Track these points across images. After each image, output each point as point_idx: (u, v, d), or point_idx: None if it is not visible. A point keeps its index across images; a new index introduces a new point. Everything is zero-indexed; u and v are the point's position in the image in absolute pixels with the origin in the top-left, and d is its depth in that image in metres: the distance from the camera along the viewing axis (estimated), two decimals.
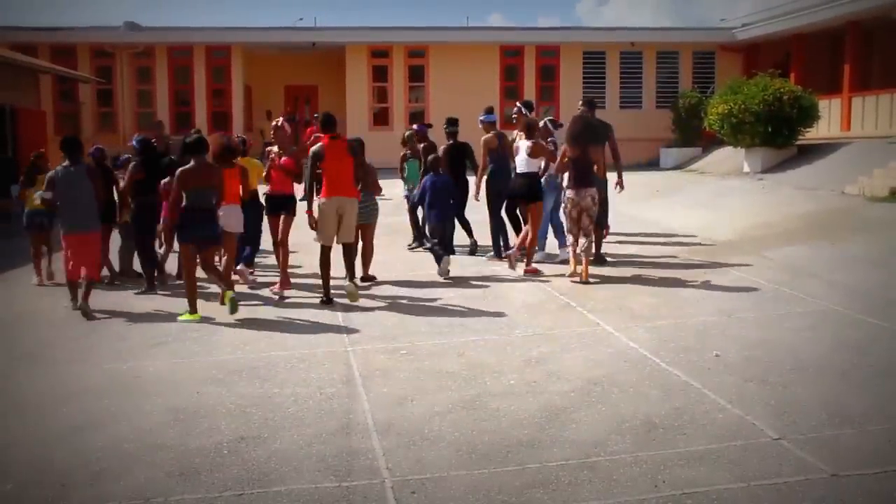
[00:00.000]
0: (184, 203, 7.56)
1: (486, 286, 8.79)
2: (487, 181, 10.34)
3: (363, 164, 8.72)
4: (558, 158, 9.30)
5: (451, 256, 9.34)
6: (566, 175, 9.03)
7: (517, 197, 9.57)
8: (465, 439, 4.65)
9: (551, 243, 10.23)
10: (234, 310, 7.43)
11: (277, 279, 8.65)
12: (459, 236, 10.37)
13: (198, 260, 7.74)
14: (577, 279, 8.76)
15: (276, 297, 8.34)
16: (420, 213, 10.28)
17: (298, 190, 8.80)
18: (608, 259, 9.88)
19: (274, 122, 9.23)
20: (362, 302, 8.08)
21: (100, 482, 4.22)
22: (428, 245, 9.60)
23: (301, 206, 8.64)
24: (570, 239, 9.05)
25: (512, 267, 9.25)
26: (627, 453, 4.42)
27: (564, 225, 9.37)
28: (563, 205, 9.13)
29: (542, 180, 9.57)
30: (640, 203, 14.75)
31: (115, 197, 9.46)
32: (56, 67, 20.95)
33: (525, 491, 4.02)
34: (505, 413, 5.04)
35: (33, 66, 19.69)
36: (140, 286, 8.88)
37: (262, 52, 25.18)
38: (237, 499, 4.02)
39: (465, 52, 24.02)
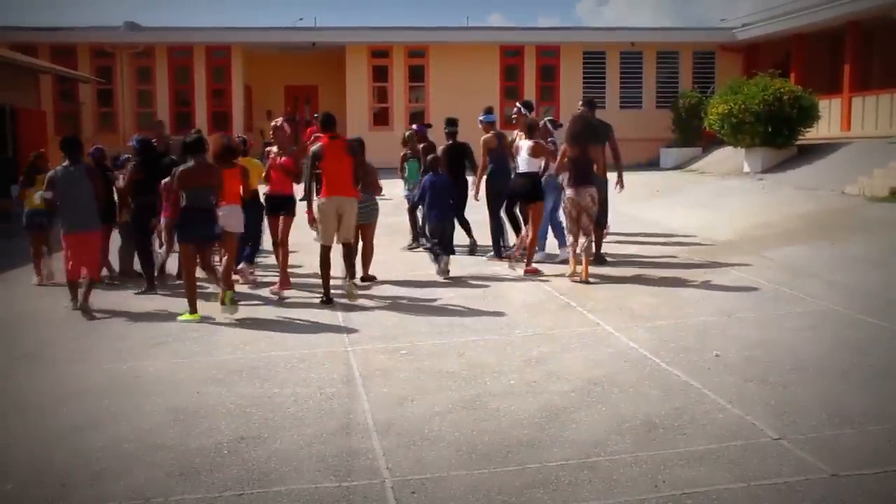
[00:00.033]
0: (183, 203, 7.57)
1: (486, 286, 8.79)
2: (487, 181, 10.34)
3: (363, 163, 8.72)
4: (558, 158, 9.30)
5: (452, 256, 9.34)
6: (566, 175, 9.03)
7: (518, 196, 9.57)
8: (465, 439, 4.65)
9: (551, 243, 10.23)
10: (233, 310, 7.43)
11: (277, 279, 8.65)
12: (459, 236, 10.36)
13: (198, 260, 7.75)
14: (577, 279, 8.76)
15: (276, 297, 8.34)
16: (420, 212, 10.28)
17: (298, 190, 8.80)
18: (608, 259, 9.88)
19: (273, 123, 9.24)
20: (362, 302, 8.09)
21: (100, 482, 4.22)
22: (427, 245, 9.59)
23: (301, 207, 8.65)
24: (569, 239, 9.05)
25: (512, 267, 9.26)
26: (627, 453, 4.42)
27: (564, 225, 9.38)
28: (562, 204, 9.12)
29: (542, 180, 9.57)
30: (640, 203, 14.75)
31: (115, 197, 9.46)
32: (56, 67, 20.96)
33: (525, 491, 4.02)
34: (505, 413, 5.04)
35: (33, 66, 19.70)
36: (140, 286, 8.88)
37: (262, 52, 25.18)
38: (237, 499, 4.02)
39: (465, 52, 24.03)
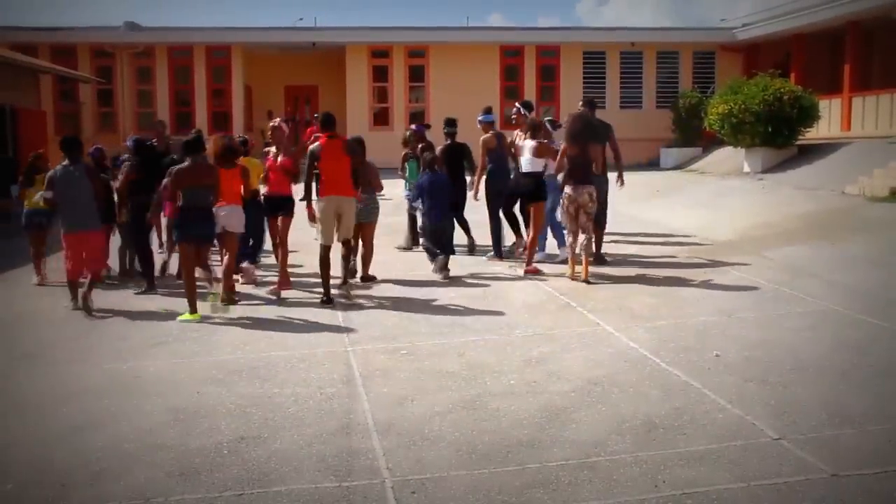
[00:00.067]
0: (180, 202, 7.60)
1: (486, 286, 8.78)
2: (487, 181, 10.34)
3: (363, 162, 8.72)
4: (558, 158, 9.29)
5: (452, 256, 9.33)
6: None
7: (521, 196, 9.57)
8: (465, 439, 4.65)
9: (551, 243, 10.23)
10: (223, 310, 7.49)
11: (278, 279, 8.65)
12: (457, 236, 10.35)
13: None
14: (578, 278, 8.75)
15: (274, 297, 8.33)
16: (419, 212, 10.26)
17: (297, 191, 8.81)
18: (608, 259, 9.88)
19: (271, 123, 9.25)
20: (362, 302, 8.09)
21: (100, 482, 4.22)
22: (425, 244, 9.59)
23: (300, 207, 8.65)
24: (568, 238, 9.04)
25: (512, 267, 9.25)
26: (627, 453, 4.42)
27: (563, 224, 9.37)
28: (561, 203, 9.11)
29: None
30: (641, 203, 14.75)
31: (115, 197, 9.46)
32: (56, 67, 20.96)
33: (525, 491, 4.02)
34: (505, 413, 5.04)
35: (33, 66, 19.70)
36: (140, 286, 8.88)
37: (262, 52, 25.18)
38: (237, 499, 4.02)
39: (465, 52, 24.03)
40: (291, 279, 8.80)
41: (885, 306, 7.33)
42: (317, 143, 8.22)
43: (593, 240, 9.16)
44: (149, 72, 24.08)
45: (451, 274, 9.11)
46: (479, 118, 10.59)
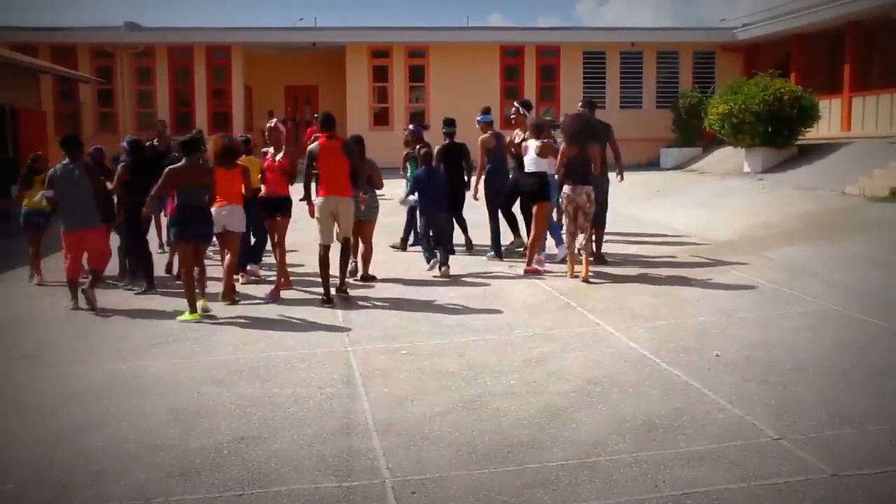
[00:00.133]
0: (177, 202, 7.64)
1: (486, 286, 8.78)
2: (486, 181, 10.34)
3: (362, 159, 8.72)
4: (558, 158, 9.29)
5: (451, 256, 9.33)
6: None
7: (525, 196, 9.56)
8: (465, 439, 4.65)
9: (551, 243, 10.23)
10: (208, 309, 7.51)
11: (276, 281, 8.66)
12: (458, 236, 10.36)
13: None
14: (578, 278, 8.75)
15: (272, 301, 8.29)
16: (410, 203, 10.23)
17: (295, 191, 8.81)
18: (608, 259, 9.88)
19: (268, 124, 9.26)
20: (362, 302, 8.09)
21: (100, 482, 4.22)
22: (420, 245, 9.58)
23: (299, 207, 8.65)
24: (567, 238, 9.04)
25: (512, 266, 9.25)
26: (627, 453, 4.42)
27: (560, 224, 9.37)
28: (560, 202, 9.11)
29: None
30: (641, 203, 14.76)
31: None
32: (56, 67, 20.94)
33: (525, 491, 4.02)
34: (505, 413, 5.04)
35: (33, 66, 19.69)
36: (140, 286, 8.88)
37: (262, 52, 25.17)
38: (237, 499, 4.02)
39: (465, 52, 24.01)
40: (291, 279, 8.80)
41: (885, 306, 7.33)
42: (315, 144, 8.24)
43: (594, 239, 9.15)
44: (149, 72, 24.07)
45: (451, 273, 9.11)
46: (478, 118, 10.59)
